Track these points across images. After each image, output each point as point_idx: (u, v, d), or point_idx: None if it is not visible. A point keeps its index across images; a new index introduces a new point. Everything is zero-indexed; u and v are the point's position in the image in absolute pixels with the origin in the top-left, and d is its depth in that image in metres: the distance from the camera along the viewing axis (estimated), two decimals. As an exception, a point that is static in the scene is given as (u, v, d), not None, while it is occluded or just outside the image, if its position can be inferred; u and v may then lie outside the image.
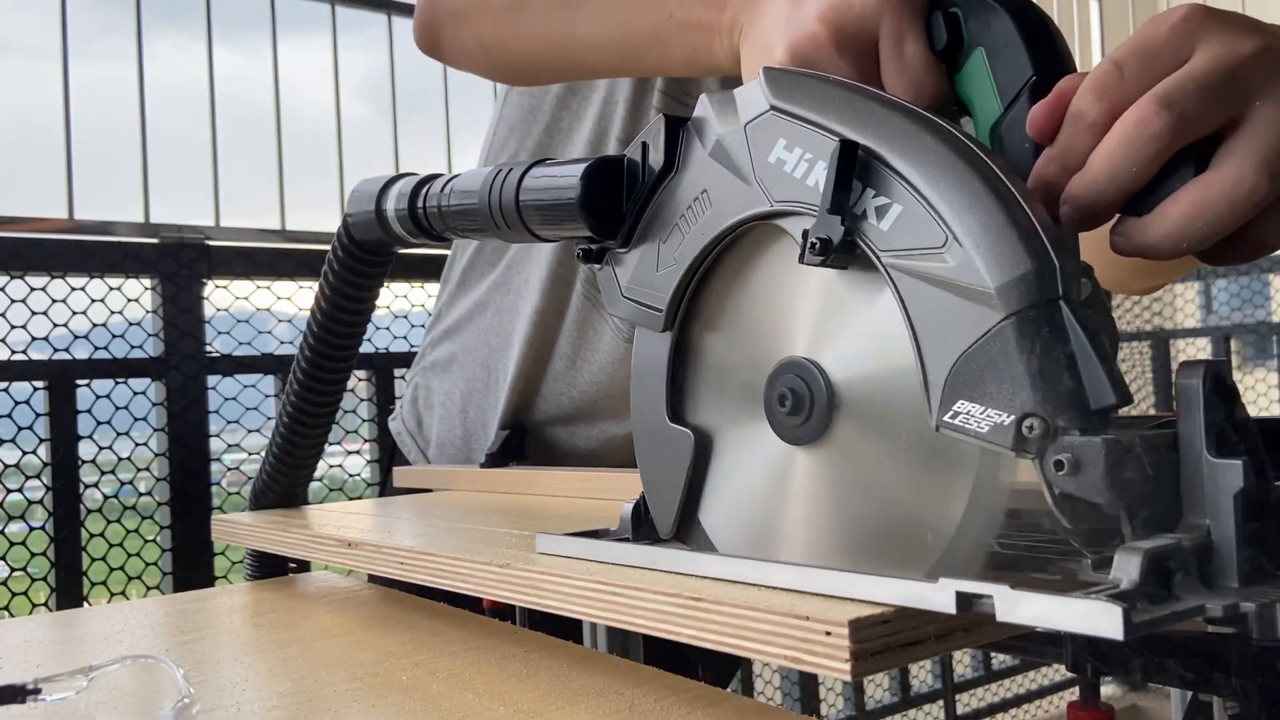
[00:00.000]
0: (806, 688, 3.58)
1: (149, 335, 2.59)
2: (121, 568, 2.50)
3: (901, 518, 0.66)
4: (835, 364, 0.69)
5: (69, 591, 2.42)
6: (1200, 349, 4.59)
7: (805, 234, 0.66)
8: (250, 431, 2.74)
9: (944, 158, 0.62)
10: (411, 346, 3.05)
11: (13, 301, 2.41)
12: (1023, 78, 0.76)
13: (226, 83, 2.87)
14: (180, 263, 2.62)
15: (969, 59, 0.80)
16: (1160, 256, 0.69)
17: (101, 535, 2.49)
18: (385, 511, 1.33)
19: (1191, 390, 0.56)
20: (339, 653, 0.94)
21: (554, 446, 1.59)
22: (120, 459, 2.54)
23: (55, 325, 2.47)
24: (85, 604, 2.44)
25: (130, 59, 2.72)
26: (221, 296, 2.72)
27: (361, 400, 2.97)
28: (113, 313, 2.55)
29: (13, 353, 2.40)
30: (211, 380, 2.67)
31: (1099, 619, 0.49)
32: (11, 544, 2.38)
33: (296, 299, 2.84)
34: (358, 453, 3.02)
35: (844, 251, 0.65)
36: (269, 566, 1.31)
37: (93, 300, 2.52)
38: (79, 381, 2.46)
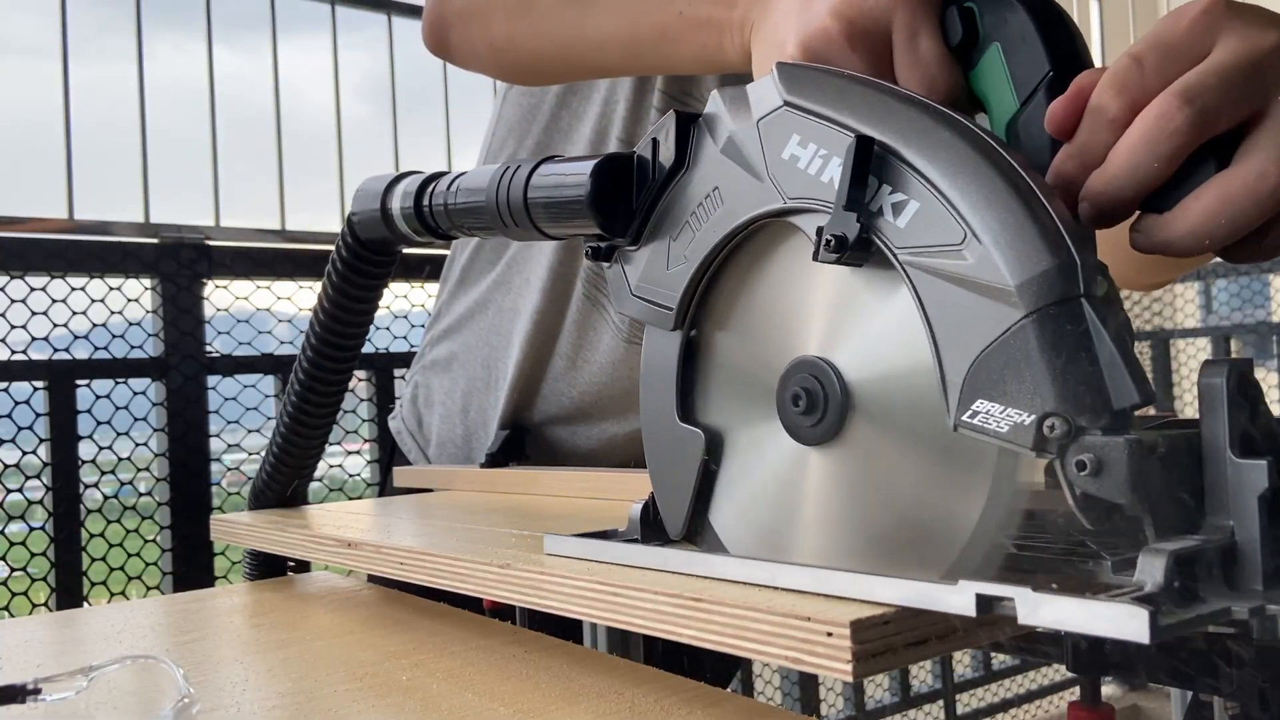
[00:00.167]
0: (806, 688, 3.57)
1: (149, 335, 2.59)
2: (121, 568, 2.49)
3: (917, 519, 0.65)
4: (850, 363, 0.68)
5: (69, 591, 2.42)
6: (1200, 349, 4.59)
7: (820, 231, 0.65)
8: (250, 431, 2.73)
9: (962, 153, 0.61)
10: (411, 346, 3.05)
11: (13, 301, 2.40)
12: (1040, 73, 0.75)
13: (226, 83, 2.87)
14: (180, 263, 2.61)
15: (984, 54, 0.78)
16: (1182, 254, 0.68)
17: (101, 535, 2.48)
18: (385, 511, 1.32)
19: (1215, 390, 0.55)
20: (339, 653, 0.94)
21: (554, 446, 1.58)
22: (120, 459, 2.53)
23: (55, 325, 2.46)
24: (85, 604, 2.43)
25: (130, 59, 2.72)
26: (221, 296, 2.71)
27: (361, 400, 2.97)
28: (113, 313, 2.54)
29: (13, 353, 2.39)
30: (211, 380, 2.66)
31: (1125, 622, 0.48)
32: (11, 544, 2.37)
33: (296, 299, 2.83)
34: (358, 453, 3.01)
35: (859, 249, 0.64)
36: (268, 567, 1.30)
37: (93, 300, 2.51)
38: (79, 381, 2.46)
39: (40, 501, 2.39)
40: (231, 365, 2.70)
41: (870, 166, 0.63)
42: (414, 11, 3.19)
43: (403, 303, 3.07)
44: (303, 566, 1.31)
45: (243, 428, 2.72)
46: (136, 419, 2.55)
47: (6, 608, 2.37)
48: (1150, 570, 0.51)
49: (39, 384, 2.41)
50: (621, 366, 1.49)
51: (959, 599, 0.55)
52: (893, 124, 0.64)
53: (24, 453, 2.37)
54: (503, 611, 1.27)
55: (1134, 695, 4.46)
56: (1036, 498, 0.62)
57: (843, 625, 0.58)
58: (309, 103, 3.22)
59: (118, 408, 2.52)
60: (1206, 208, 0.66)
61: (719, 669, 1.72)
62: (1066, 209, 0.60)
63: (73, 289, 2.48)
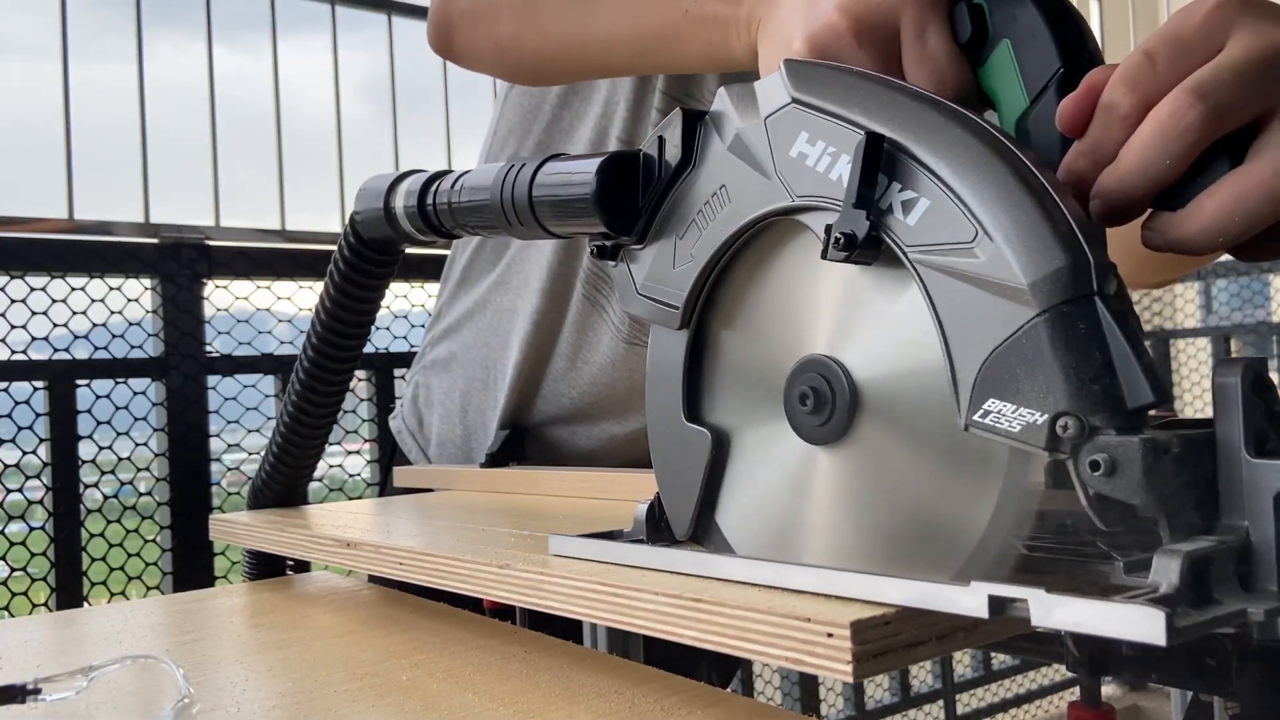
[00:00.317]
0: (807, 688, 3.56)
1: (149, 335, 2.59)
2: (121, 568, 2.49)
3: (926, 519, 0.64)
4: (858, 362, 0.67)
5: (69, 591, 2.41)
6: (1200, 349, 4.58)
7: (828, 229, 0.64)
8: (250, 431, 2.73)
9: (973, 150, 0.60)
10: (411, 346, 3.04)
11: (13, 301, 2.40)
12: (1050, 70, 0.74)
13: (226, 83, 2.87)
14: (180, 263, 2.61)
15: (994, 51, 0.78)
16: (1195, 252, 0.67)
17: (101, 535, 2.48)
18: (385, 511, 1.32)
19: (1230, 389, 0.55)
20: (339, 653, 0.94)
21: (554, 446, 1.58)
22: (120, 459, 2.53)
23: (55, 325, 2.46)
24: (85, 604, 2.43)
25: (130, 59, 2.72)
26: (221, 296, 2.71)
27: (361, 400, 2.97)
28: (113, 313, 2.54)
29: (13, 353, 2.39)
30: (211, 380, 2.66)
31: (1141, 624, 0.48)
32: (11, 544, 2.37)
33: (296, 299, 2.83)
34: (358, 453, 3.01)
35: (869, 247, 0.63)
36: (267, 566, 1.30)
37: (93, 300, 2.51)
38: (79, 381, 2.45)
39: (40, 501, 2.39)
40: (231, 365, 2.70)
41: (880, 164, 0.63)
42: (414, 11, 3.19)
43: (403, 303, 3.07)
44: (302, 566, 1.31)
45: (243, 428, 2.72)
46: (136, 419, 2.55)
47: (6, 608, 2.37)
48: (1165, 571, 0.51)
49: (39, 384, 2.41)
50: (621, 367, 1.49)
51: (971, 600, 0.54)
52: (903, 121, 0.63)
53: (24, 453, 2.37)
54: (503, 611, 1.27)
55: (1134, 695, 4.45)
56: (1045, 498, 0.61)
57: (843, 626, 0.57)
58: (309, 103, 3.22)
59: (118, 408, 2.52)
60: (1220, 205, 0.65)
61: (719, 669, 1.72)
62: (1079, 207, 0.59)
63: (73, 289, 2.48)
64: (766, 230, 0.73)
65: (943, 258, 0.60)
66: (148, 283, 2.59)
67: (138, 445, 2.57)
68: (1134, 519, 0.54)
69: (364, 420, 2.97)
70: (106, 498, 2.50)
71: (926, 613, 0.58)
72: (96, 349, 2.52)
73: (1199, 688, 0.68)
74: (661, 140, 0.78)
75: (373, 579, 1.22)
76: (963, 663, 4.13)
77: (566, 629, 0.95)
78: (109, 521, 2.50)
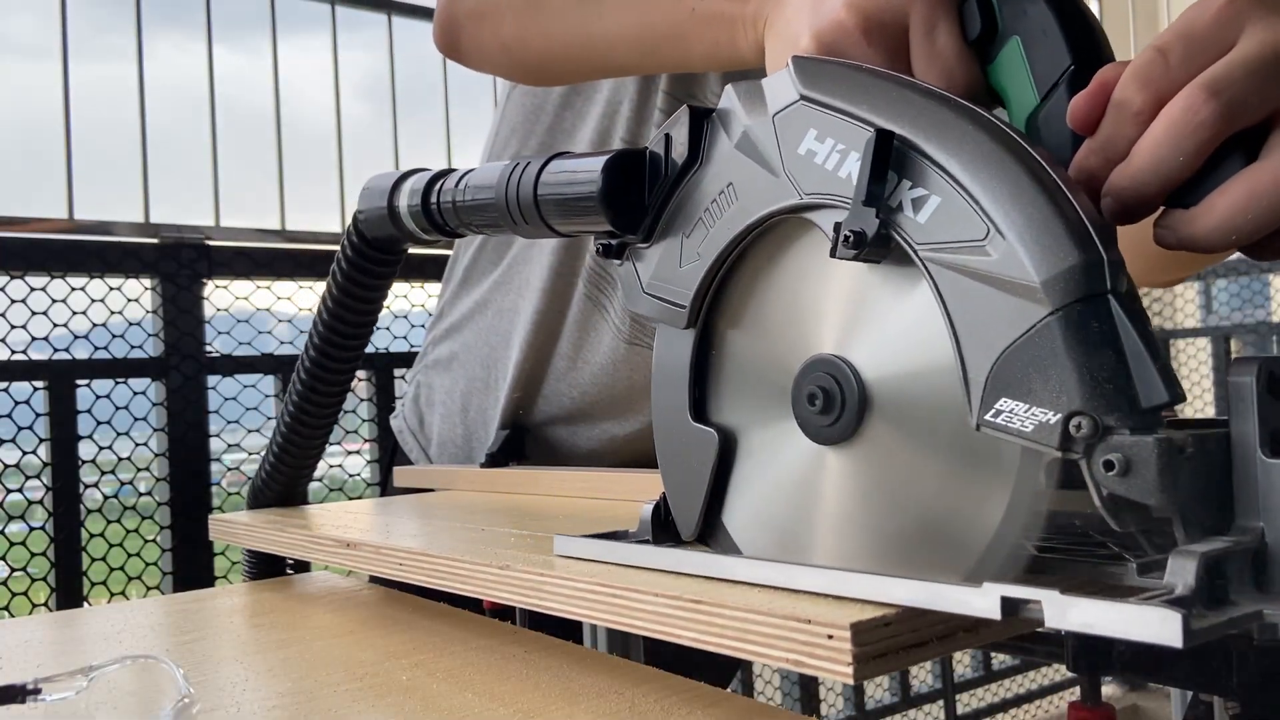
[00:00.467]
0: (807, 688, 3.56)
1: (149, 335, 2.58)
2: (121, 568, 2.49)
3: (936, 520, 0.64)
4: (867, 361, 0.67)
5: (69, 591, 2.41)
6: (1200, 349, 4.58)
7: (837, 227, 0.64)
8: (250, 431, 2.73)
9: (985, 147, 0.59)
10: (411, 346, 3.04)
11: (13, 301, 2.40)
12: (1061, 67, 0.74)
13: (226, 83, 2.86)
14: (180, 263, 2.61)
15: (1004, 48, 0.77)
16: (1208, 250, 0.67)
17: (101, 535, 2.47)
18: (385, 511, 1.32)
19: (1245, 389, 0.54)
20: (339, 653, 0.93)
21: (555, 446, 1.58)
22: (120, 459, 2.53)
23: (55, 325, 2.45)
24: (85, 604, 2.43)
25: (130, 59, 2.71)
26: (221, 296, 2.71)
27: (361, 400, 2.96)
28: (113, 313, 2.54)
29: (13, 353, 2.38)
30: (211, 380, 2.66)
31: (1157, 626, 0.47)
32: (11, 544, 2.37)
33: (296, 299, 2.83)
34: (358, 453, 3.01)
35: (878, 245, 0.63)
36: (267, 566, 1.29)
37: (93, 300, 2.51)
38: (79, 381, 2.45)
39: (40, 501, 2.38)
40: (231, 365, 2.69)
41: (890, 161, 0.62)
42: (414, 11, 3.19)
43: (403, 303, 3.06)
44: (302, 566, 1.31)
45: (243, 428, 2.72)
46: (136, 419, 2.55)
47: (6, 608, 2.37)
48: (1181, 573, 0.50)
49: (39, 384, 2.40)
50: (622, 367, 1.49)
51: (983, 602, 0.54)
52: (913, 118, 0.63)
53: (24, 453, 2.36)
54: (503, 611, 1.27)
55: (1134, 695, 4.45)
56: (1056, 499, 0.61)
57: (843, 628, 0.57)
58: (309, 103, 3.21)
59: (118, 408, 2.51)
60: (1233, 203, 0.65)
61: (720, 668, 1.72)
62: (1091, 204, 0.59)
63: (73, 289, 2.48)
64: (774, 228, 0.72)
65: (954, 256, 0.59)
66: (148, 283, 2.59)
67: (138, 445, 2.56)
68: (1148, 520, 0.54)
69: (364, 420, 2.97)
70: (106, 498, 2.50)
71: (928, 613, 0.57)
72: (96, 349, 2.51)
73: (1199, 687, 0.67)
74: (668, 138, 0.77)
75: (373, 579, 1.22)
76: (963, 663, 4.13)
77: (566, 629, 0.94)
78: (109, 521, 2.50)
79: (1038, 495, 0.58)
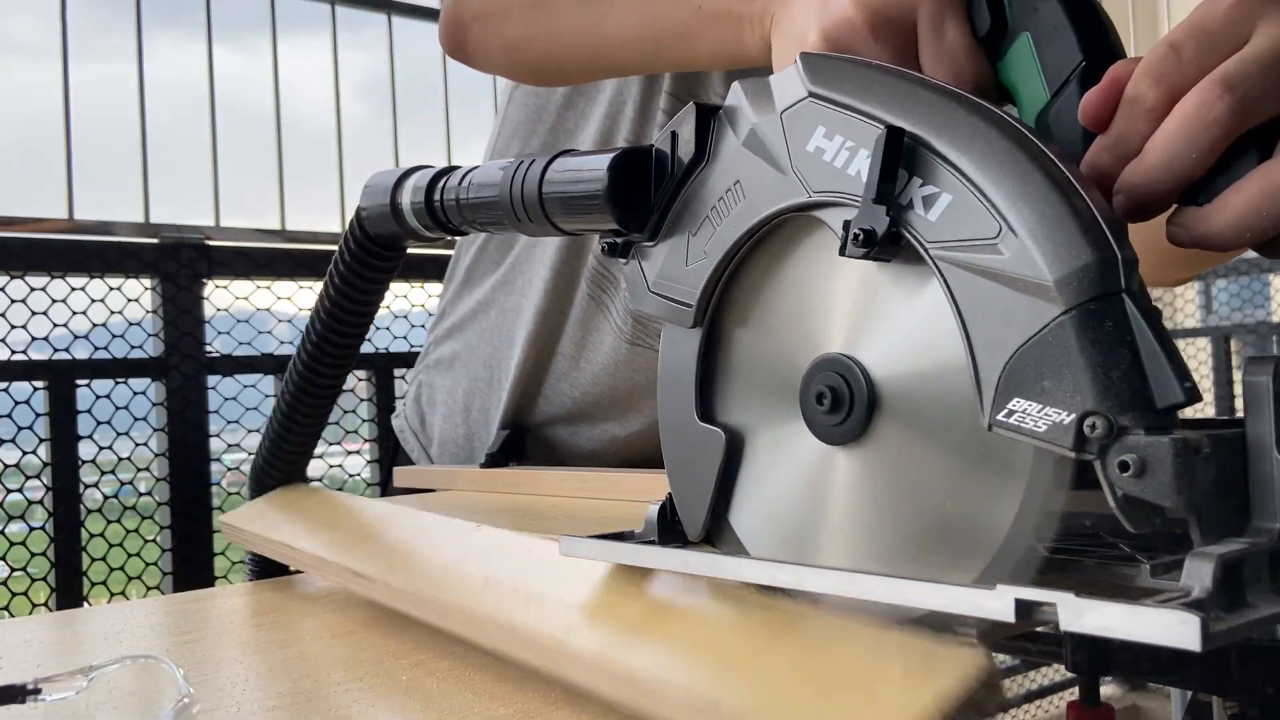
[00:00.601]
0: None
1: (149, 335, 2.59)
2: (121, 568, 2.50)
3: (947, 521, 0.63)
4: (876, 361, 0.66)
5: (69, 591, 2.42)
6: (1200, 349, 4.58)
7: (847, 225, 0.63)
8: (250, 431, 2.74)
9: (996, 144, 0.59)
10: (411, 346, 3.05)
11: (13, 301, 2.41)
12: (1072, 64, 0.73)
13: (226, 83, 2.87)
14: (180, 263, 2.61)
15: (1013, 45, 0.77)
16: (1221, 248, 0.66)
17: (101, 535, 2.48)
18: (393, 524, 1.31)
19: (1260, 388, 0.53)
20: (339, 653, 0.93)
21: (556, 446, 1.58)
22: (120, 459, 2.54)
23: (55, 325, 2.46)
24: (85, 604, 2.43)
25: (130, 59, 2.71)
26: (221, 296, 2.71)
27: (361, 400, 2.96)
28: (113, 313, 2.55)
29: (13, 353, 2.39)
30: (211, 380, 2.66)
31: (1174, 629, 0.46)
32: (11, 544, 2.38)
33: (296, 299, 2.83)
34: (358, 453, 3.01)
35: (889, 243, 0.62)
36: (268, 566, 1.29)
37: (93, 300, 2.51)
38: (79, 381, 2.45)
39: (40, 501, 2.39)
40: (231, 365, 2.70)
41: (900, 158, 0.62)
42: (414, 11, 3.20)
43: (403, 303, 3.06)
44: None
45: (243, 428, 2.72)
46: (136, 419, 2.56)
47: (6, 608, 2.37)
48: (1198, 575, 0.50)
49: (39, 384, 2.41)
50: (624, 368, 1.49)
51: (997, 604, 0.53)
52: (923, 114, 0.62)
53: (24, 453, 2.37)
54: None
55: (1134, 695, 4.45)
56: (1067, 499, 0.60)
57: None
58: (309, 103, 3.22)
59: (118, 408, 2.52)
60: (1248, 200, 0.64)
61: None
62: (1104, 201, 0.58)
63: (73, 289, 2.49)
64: (782, 227, 0.71)
65: (965, 254, 0.58)
66: (148, 283, 2.59)
67: (138, 445, 2.57)
68: (1163, 521, 0.53)
69: (364, 420, 2.97)
70: (106, 498, 2.50)
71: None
72: (96, 349, 2.52)
73: (1198, 687, 0.67)
74: (674, 135, 0.76)
75: None
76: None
77: None
78: (109, 521, 2.51)
79: (1050, 496, 0.58)
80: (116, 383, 2.51)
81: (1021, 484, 0.58)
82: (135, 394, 2.56)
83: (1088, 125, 0.70)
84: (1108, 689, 4.30)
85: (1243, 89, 0.64)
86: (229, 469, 2.74)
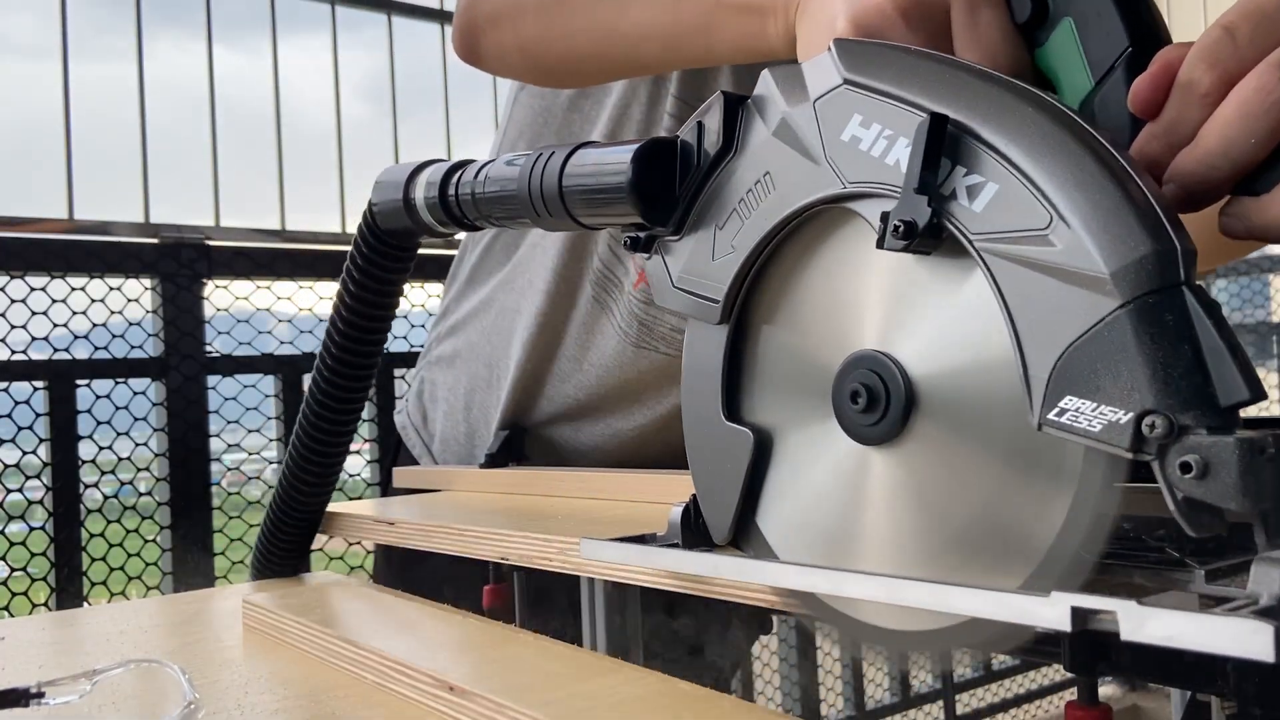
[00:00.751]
0: (806, 688, 3.54)
1: (149, 335, 2.58)
2: (121, 568, 2.49)
3: (990, 525, 0.61)
4: (914, 358, 0.64)
5: (69, 591, 2.41)
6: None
7: (884, 217, 0.61)
8: (250, 431, 2.72)
9: (1046, 131, 0.56)
10: (411, 346, 3.05)
11: (13, 301, 2.39)
12: (1117, 49, 0.71)
13: (226, 83, 2.86)
14: (180, 263, 2.60)
15: (1055, 31, 0.74)
16: (1278, 240, 0.64)
17: (101, 535, 2.47)
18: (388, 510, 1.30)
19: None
20: (339, 653, 0.93)
21: (558, 443, 1.57)
22: (120, 459, 2.53)
23: (55, 325, 2.45)
24: (85, 604, 2.42)
25: (130, 59, 2.70)
26: (221, 296, 2.70)
27: (361, 400, 2.95)
28: (113, 313, 2.53)
29: (13, 353, 2.37)
30: (211, 380, 2.65)
31: (1246, 639, 0.44)
32: (11, 544, 2.37)
33: (296, 299, 2.82)
34: (358, 453, 3.00)
35: (930, 235, 0.59)
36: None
37: (93, 300, 2.50)
38: (79, 381, 2.44)
39: (40, 501, 2.38)
40: (231, 365, 2.69)
41: (943, 147, 0.59)
42: (414, 11, 3.19)
43: (403, 302, 3.04)
44: (304, 567, 1.33)
45: (243, 428, 2.71)
46: (136, 419, 2.54)
47: (6, 608, 2.36)
48: (1266, 581, 0.47)
49: (39, 384, 2.40)
50: (628, 369, 1.47)
51: (1052, 612, 0.51)
52: (967, 101, 0.60)
53: (24, 453, 2.36)
54: (502, 612, 1.26)
55: (1133, 695, 4.44)
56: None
57: None
58: (309, 103, 3.20)
59: (118, 408, 2.51)
60: None
61: (720, 669, 1.71)
62: (1161, 190, 0.56)
63: (73, 289, 2.47)
64: (814, 219, 0.69)
65: (1013, 246, 0.56)
66: (148, 283, 2.58)
67: (138, 445, 2.56)
68: (1224, 525, 0.51)
69: (364, 420, 2.95)
70: (106, 498, 2.49)
71: None
72: (96, 349, 2.51)
73: (1197, 688, 0.64)
74: (701, 126, 0.74)
75: (375, 578, 1.22)
76: (962, 663, 4.12)
77: (566, 629, 0.91)
78: (109, 521, 2.50)
79: (1104, 499, 0.55)
80: (116, 383, 2.50)
81: (1072, 486, 0.56)
82: (135, 394, 2.54)
83: (1138, 112, 0.68)
84: (1107, 689, 4.30)
85: None
86: (229, 469, 2.73)
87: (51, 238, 2.47)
